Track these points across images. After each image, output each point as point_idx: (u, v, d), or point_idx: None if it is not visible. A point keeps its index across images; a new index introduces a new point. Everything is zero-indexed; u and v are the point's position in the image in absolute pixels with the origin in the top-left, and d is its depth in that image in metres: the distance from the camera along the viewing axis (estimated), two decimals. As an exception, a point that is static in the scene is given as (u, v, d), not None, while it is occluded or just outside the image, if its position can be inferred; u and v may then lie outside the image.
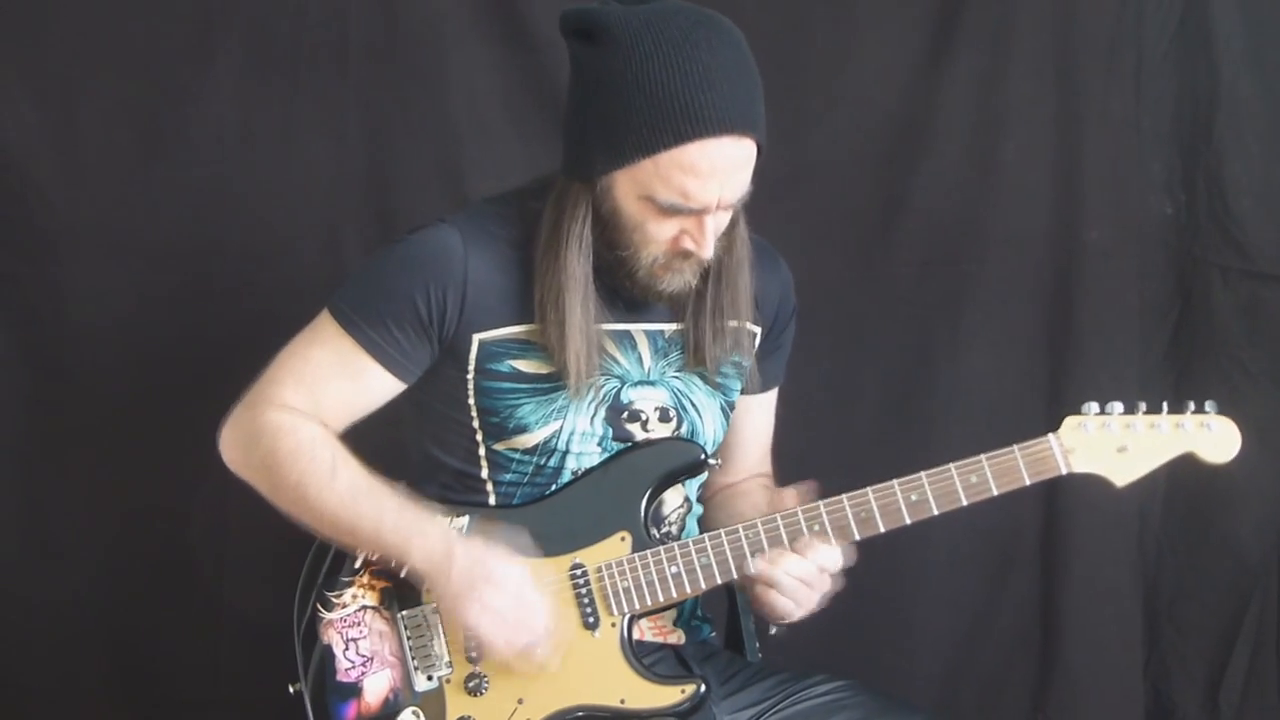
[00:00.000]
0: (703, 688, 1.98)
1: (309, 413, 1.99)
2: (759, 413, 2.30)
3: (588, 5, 1.95)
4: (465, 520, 2.02)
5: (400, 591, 2.01)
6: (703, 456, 2.06)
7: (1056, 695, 2.99)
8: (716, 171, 1.89)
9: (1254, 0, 2.87)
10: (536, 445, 2.02)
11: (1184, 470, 2.90)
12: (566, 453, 2.04)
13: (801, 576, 1.97)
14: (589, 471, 2.04)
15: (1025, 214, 2.93)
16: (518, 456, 2.04)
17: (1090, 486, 2.86)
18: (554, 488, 2.05)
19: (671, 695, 1.97)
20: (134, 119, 2.76)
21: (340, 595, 2.03)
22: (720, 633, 2.32)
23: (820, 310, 2.88)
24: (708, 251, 1.96)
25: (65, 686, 2.86)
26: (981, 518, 2.91)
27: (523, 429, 2.02)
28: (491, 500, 2.05)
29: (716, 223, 1.95)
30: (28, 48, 2.72)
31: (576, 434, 2.03)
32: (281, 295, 2.66)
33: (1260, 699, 2.89)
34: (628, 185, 1.91)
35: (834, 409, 2.94)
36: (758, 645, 2.31)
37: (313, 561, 2.05)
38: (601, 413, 2.05)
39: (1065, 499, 2.93)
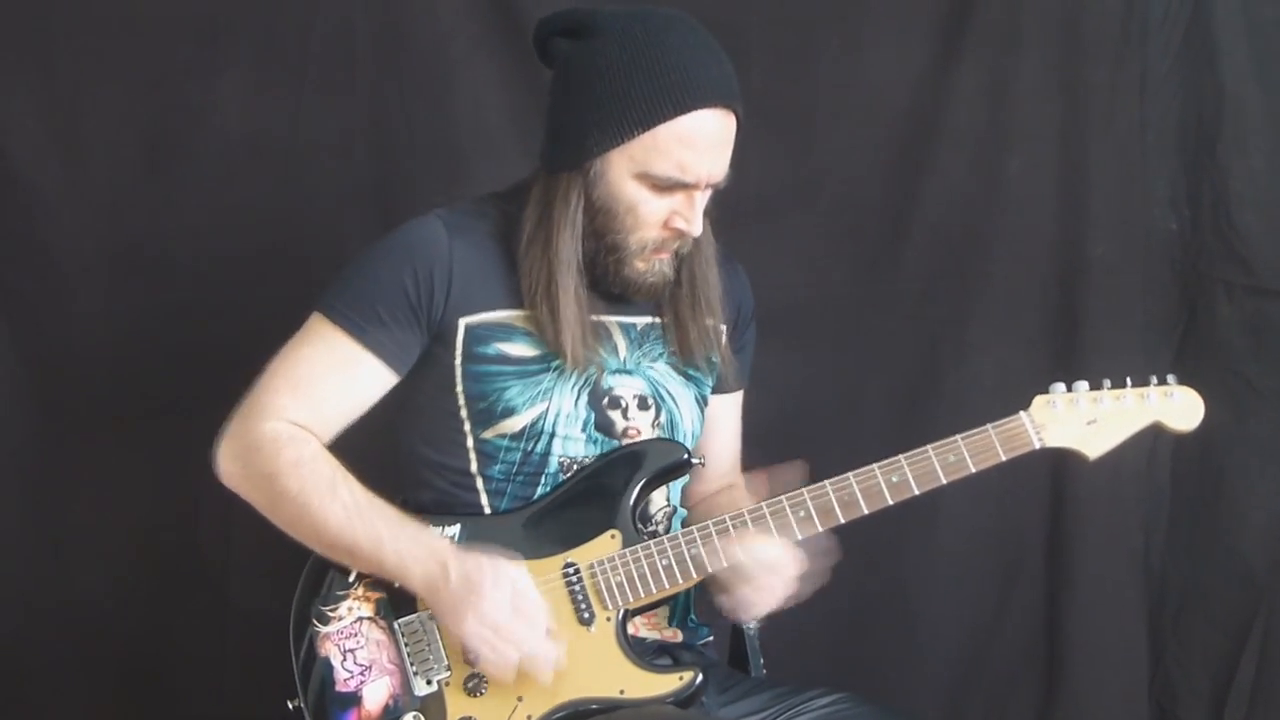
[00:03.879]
0: (699, 676, 1.98)
1: (306, 417, 2.00)
2: (727, 418, 2.33)
3: (570, 8, 2.07)
4: (456, 529, 2.03)
5: (395, 600, 2.02)
6: (686, 456, 2.09)
7: (1061, 710, 2.98)
8: (711, 144, 2.00)
9: (1258, 16, 2.86)
10: (524, 429, 2.05)
11: (1188, 484, 2.95)
12: (553, 436, 2.06)
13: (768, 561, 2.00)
14: (575, 476, 2.07)
15: (1030, 229, 2.94)
16: (505, 444, 2.05)
17: (1093, 500, 2.91)
18: (538, 493, 2.07)
19: (670, 683, 1.98)
20: (139, 132, 2.78)
21: (335, 609, 2.03)
22: (724, 649, 2.33)
23: (827, 325, 2.90)
24: (697, 228, 2.03)
25: (70, 697, 2.86)
26: (985, 531, 2.94)
27: (510, 411, 2.04)
28: (483, 498, 2.07)
29: (702, 202, 2.04)
30: (33, 60, 2.74)
31: (562, 416, 2.06)
32: (286, 307, 2.65)
33: (1266, 714, 2.87)
34: (623, 165, 1.99)
35: (840, 423, 2.94)
36: (761, 661, 2.32)
37: (307, 575, 2.05)
38: (584, 396, 2.08)
39: (1069, 514, 2.94)
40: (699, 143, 1.99)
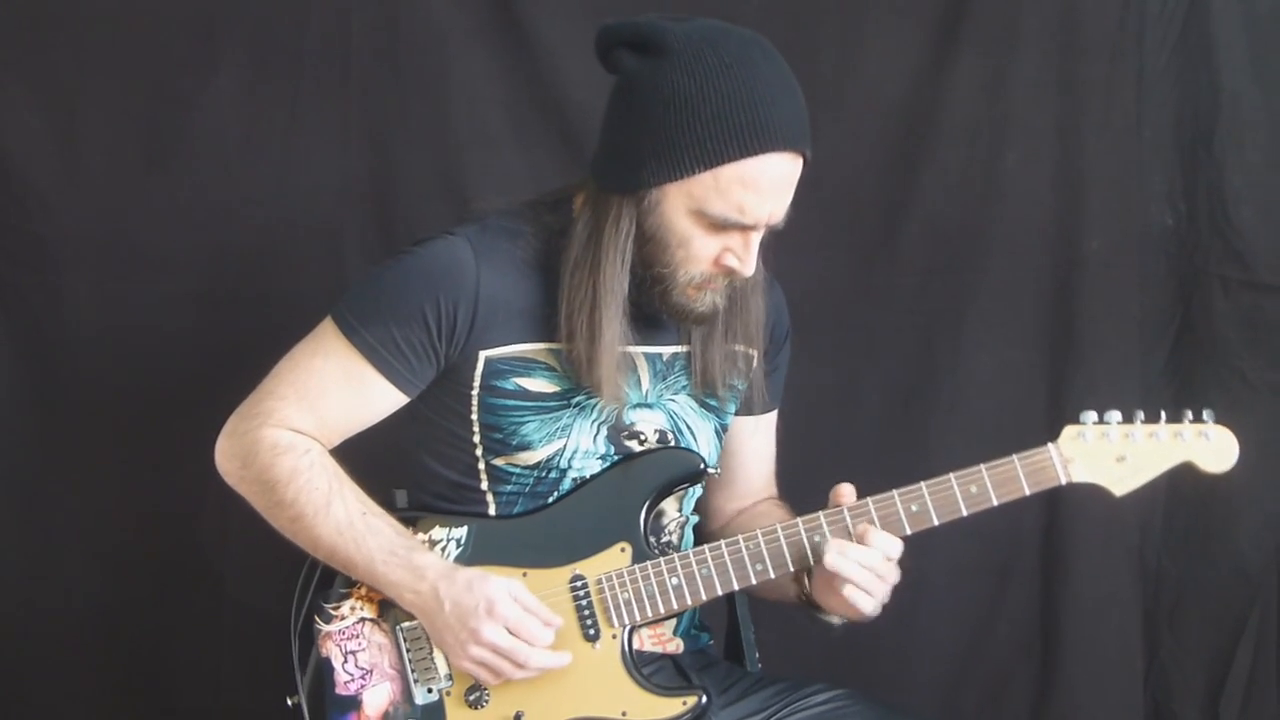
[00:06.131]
0: (704, 698, 1.97)
1: (309, 426, 1.97)
2: (760, 436, 2.28)
3: (636, 19, 1.94)
4: (464, 532, 2.01)
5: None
6: (702, 465, 2.04)
7: (1056, 706, 2.98)
8: (774, 187, 1.91)
9: (1255, 11, 2.86)
10: (539, 462, 2.01)
11: (1184, 481, 2.92)
12: (568, 469, 2.03)
13: (872, 566, 1.93)
14: (588, 481, 2.03)
15: (1026, 223, 2.93)
16: (518, 471, 2.02)
17: (1090, 497, 2.87)
18: (554, 497, 2.03)
19: (673, 707, 1.96)
20: (136, 127, 2.77)
21: (338, 607, 2.02)
22: (720, 643, 2.33)
23: (823, 318, 2.89)
24: (749, 269, 1.95)
25: (67, 693, 2.86)
26: (982, 528, 2.90)
27: (526, 446, 2.01)
28: (491, 509, 2.04)
29: (757, 243, 1.95)
30: (30, 55, 2.73)
31: (580, 452, 2.03)
32: (284, 303, 2.67)
33: (1260, 709, 2.88)
34: (679, 199, 1.90)
35: (836, 417, 2.94)
36: (757, 655, 2.32)
37: (309, 571, 2.03)
38: (604, 432, 2.04)
39: (1065, 510, 2.93)
40: (762, 186, 1.89)
